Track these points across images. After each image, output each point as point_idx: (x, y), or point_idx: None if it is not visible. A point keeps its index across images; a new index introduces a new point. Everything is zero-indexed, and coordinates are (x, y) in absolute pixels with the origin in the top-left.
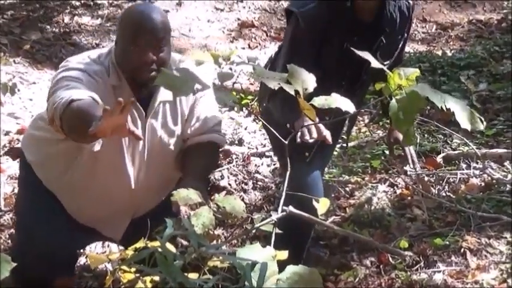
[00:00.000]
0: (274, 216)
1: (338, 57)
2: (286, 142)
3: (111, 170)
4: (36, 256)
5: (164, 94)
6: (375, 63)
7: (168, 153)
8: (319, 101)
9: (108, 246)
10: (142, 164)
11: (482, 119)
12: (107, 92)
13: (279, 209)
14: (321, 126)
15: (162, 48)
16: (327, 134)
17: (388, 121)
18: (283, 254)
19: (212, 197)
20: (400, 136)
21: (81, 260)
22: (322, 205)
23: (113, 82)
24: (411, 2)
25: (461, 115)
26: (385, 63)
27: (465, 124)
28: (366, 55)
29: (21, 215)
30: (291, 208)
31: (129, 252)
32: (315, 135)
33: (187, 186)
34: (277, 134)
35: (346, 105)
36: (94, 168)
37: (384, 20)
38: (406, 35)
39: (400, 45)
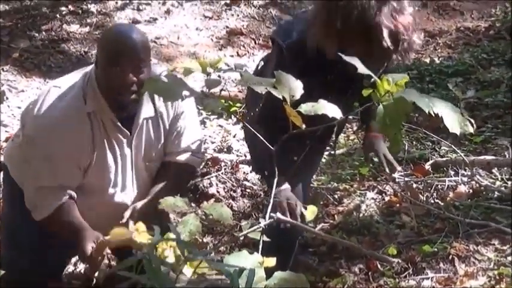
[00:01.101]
0: (262, 223)
1: (322, 85)
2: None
3: (99, 193)
4: (24, 266)
5: (146, 111)
6: (363, 70)
7: (152, 166)
8: (306, 107)
9: None
10: (131, 182)
11: (472, 122)
12: (82, 121)
13: (267, 216)
14: (293, 203)
15: (142, 70)
16: (298, 210)
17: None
18: (271, 261)
19: (200, 205)
20: (378, 146)
21: (70, 268)
22: (309, 213)
23: (89, 109)
24: None
25: (450, 119)
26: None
27: (454, 128)
28: (355, 61)
29: (8, 229)
30: (278, 215)
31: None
32: (287, 215)
33: (142, 211)
34: (266, 142)
35: (333, 111)
36: (82, 190)
37: None
38: (392, 60)
39: (387, 70)
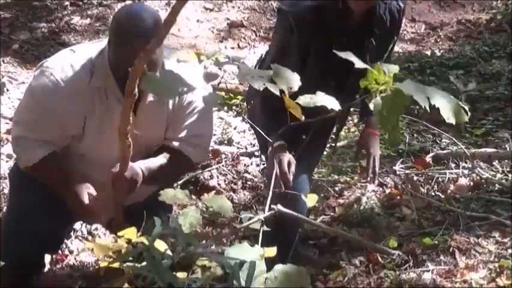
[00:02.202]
0: (261, 215)
1: (326, 57)
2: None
3: (98, 166)
4: (21, 234)
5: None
6: (358, 64)
7: (150, 149)
8: (305, 99)
9: (96, 233)
10: None
11: (466, 109)
12: (84, 93)
13: (266, 208)
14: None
15: (154, 50)
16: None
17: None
18: (272, 252)
19: (201, 197)
20: (372, 145)
21: (71, 260)
22: (310, 200)
23: (95, 84)
24: (402, 5)
25: (446, 109)
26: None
27: (450, 118)
28: (349, 55)
29: (11, 193)
30: (279, 207)
31: (122, 243)
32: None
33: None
34: (265, 136)
35: (332, 103)
36: (82, 162)
37: (374, 22)
38: (395, 37)
39: (390, 48)
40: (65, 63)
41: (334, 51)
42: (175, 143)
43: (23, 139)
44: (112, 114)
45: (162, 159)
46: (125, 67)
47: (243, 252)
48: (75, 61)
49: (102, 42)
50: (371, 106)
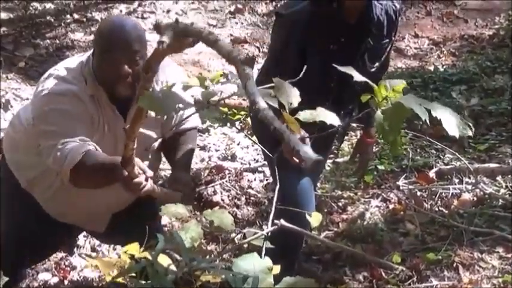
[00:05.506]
0: (265, 230)
1: (325, 59)
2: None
3: None
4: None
5: None
6: (357, 77)
7: (141, 154)
8: (305, 115)
9: (99, 249)
10: None
11: (471, 125)
12: (85, 100)
13: (269, 223)
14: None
15: (138, 62)
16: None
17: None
18: (276, 268)
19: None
20: (366, 152)
21: (74, 276)
22: (314, 219)
23: (90, 92)
24: (398, 6)
25: (449, 122)
26: (374, 65)
27: (453, 131)
28: (349, 70)
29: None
30: (282, 222)
31: (125, 258)
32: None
33: (176, 178)
34: (263, 147)
35: (332, 119)
36: None
37: (370, 22)
38: (393, 38)
39: (388, 49)
40: (57, 81)
41: (335, 65)
42: (180, 127)
43: (64, 144)
44: (107, 120)
45: (186, 146)
46: (111, 79)
47: (251, 263)
48: (66, 75)
49: (85, 55)
50: (376, 117)
